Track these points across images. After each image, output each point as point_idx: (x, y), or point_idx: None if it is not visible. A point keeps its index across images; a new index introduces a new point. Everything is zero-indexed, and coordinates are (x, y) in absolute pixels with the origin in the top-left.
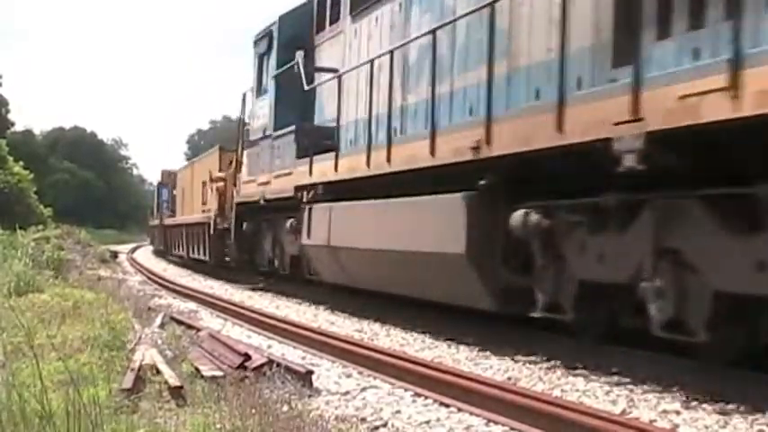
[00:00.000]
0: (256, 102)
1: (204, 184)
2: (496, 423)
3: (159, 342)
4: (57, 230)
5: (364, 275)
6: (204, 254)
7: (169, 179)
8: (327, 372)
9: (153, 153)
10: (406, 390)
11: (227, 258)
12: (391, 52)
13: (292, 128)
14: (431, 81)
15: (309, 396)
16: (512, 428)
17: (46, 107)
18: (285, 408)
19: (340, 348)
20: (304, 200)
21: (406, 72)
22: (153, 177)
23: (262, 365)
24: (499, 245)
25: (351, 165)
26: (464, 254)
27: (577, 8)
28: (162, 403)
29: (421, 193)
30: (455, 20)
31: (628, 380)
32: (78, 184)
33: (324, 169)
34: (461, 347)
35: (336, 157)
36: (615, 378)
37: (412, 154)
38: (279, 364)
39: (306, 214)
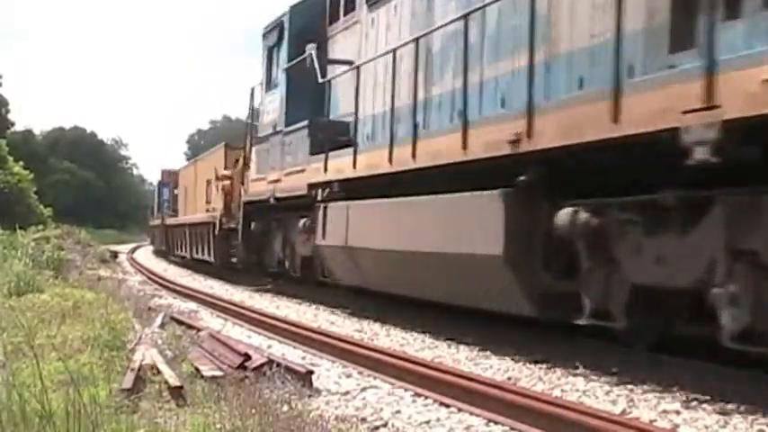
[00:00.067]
0: (266, 96)
1: (208, 182)
2: (496, 423)
3: (159, 342)
4: (57, 230)
5: (385, 278)
6: (209, 255)
7: (170, 178)
8: (327, 372)
9: (153, 153)
10: (406, 390)
11: (233, 259)
12: (416, 40)
13: (305, 123)
14: (462, 70)
15: (309, 396)
16: (512, 428)
17: (46, 107)
18: (285, 408)
19: (340, 348)
20: (318, 198)
21: (430, 62)
22: (153, 177)
23: (262, 365)
24: (539, 246)
25: (370, 161)
26: (501, 255)
27: None
28: (162, 403)
29: (447, 190)
30: (486, 5)
31: (628, 380)
32: (78, 184)
33: (340, 166)
34: (461, 347)
35: (355, 152)
36: (615, 378)
37: (438, 149)
38: (279, 364)
39: (320, 213)
